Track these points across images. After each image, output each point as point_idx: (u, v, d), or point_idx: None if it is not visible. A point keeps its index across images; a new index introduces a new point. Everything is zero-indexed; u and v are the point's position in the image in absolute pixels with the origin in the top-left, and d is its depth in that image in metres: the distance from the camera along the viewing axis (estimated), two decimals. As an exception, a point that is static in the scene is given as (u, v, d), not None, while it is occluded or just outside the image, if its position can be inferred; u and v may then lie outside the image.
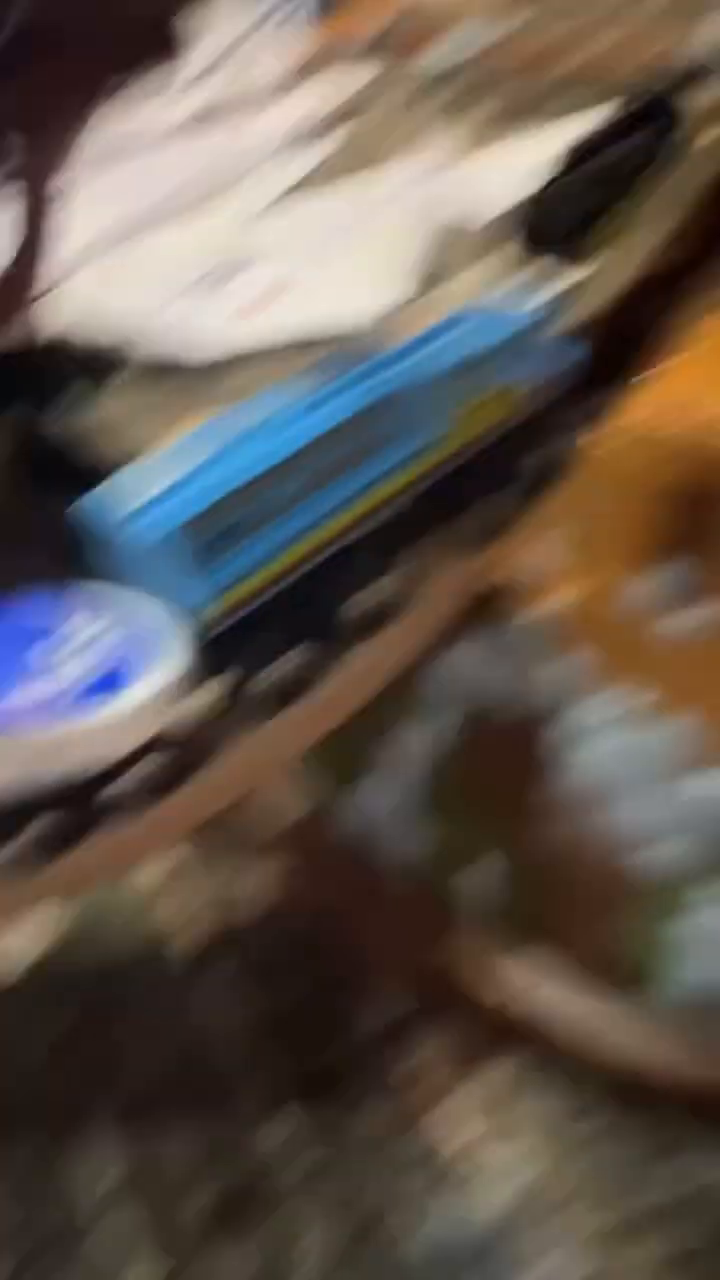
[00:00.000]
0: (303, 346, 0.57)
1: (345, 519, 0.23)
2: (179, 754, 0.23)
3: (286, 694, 0.24)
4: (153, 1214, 0.24)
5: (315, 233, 0.71)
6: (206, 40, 1.11)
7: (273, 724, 0.24)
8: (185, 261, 0.72)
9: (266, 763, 0.25)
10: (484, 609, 0.26)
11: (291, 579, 0.22)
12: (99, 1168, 0.25)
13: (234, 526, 0.20)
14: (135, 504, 0.19)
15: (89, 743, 0.21)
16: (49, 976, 0.29)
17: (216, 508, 0.19)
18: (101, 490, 0.20)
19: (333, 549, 0.22)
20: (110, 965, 0.29)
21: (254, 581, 0.21)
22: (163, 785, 0.23)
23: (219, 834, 0.31)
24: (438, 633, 0.26)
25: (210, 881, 0.31)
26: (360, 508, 0.23)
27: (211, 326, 0.61)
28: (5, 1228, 0.24)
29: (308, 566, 0.22)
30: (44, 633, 0.22)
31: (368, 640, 0.24)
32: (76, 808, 0.22)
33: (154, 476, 0.20)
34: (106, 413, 0.56)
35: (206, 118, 1.00)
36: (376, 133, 0.97)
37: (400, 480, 0.23)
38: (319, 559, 0.22)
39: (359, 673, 0.25)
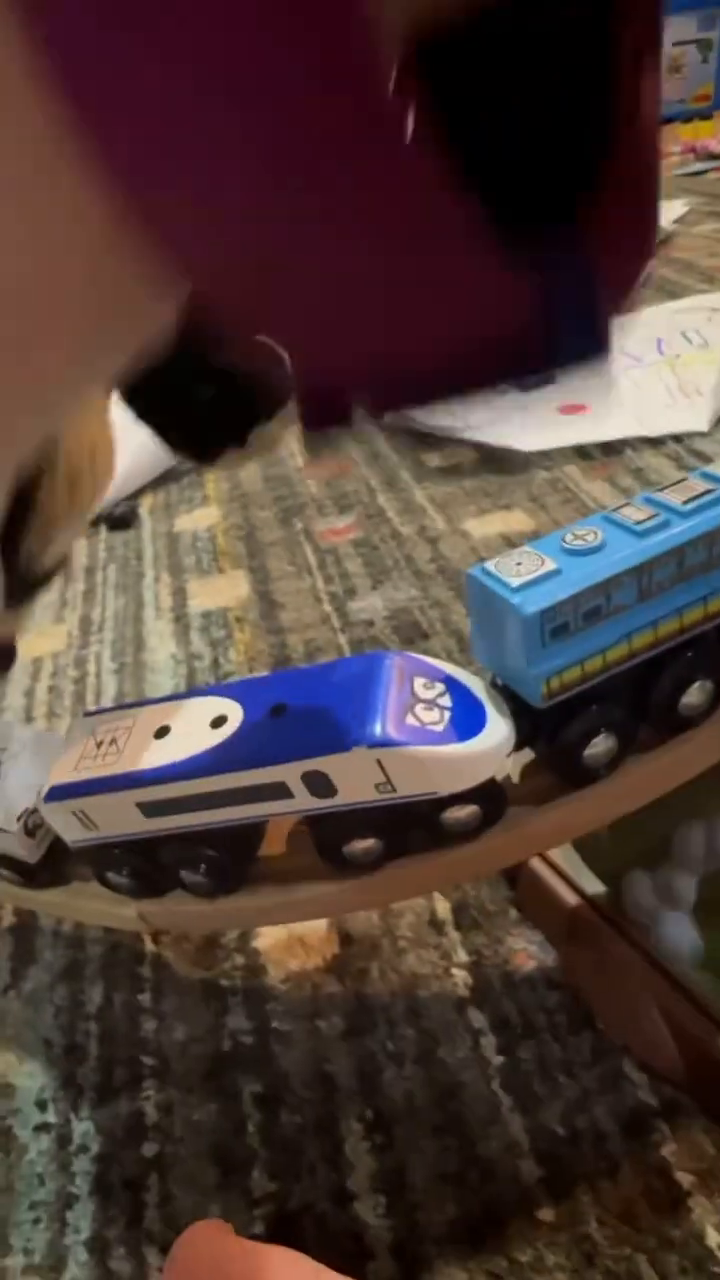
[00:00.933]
0: (611, 449, 0.60)
1: (675, 625, 0.25)
2: (493, 802, 0.26)
3: (592, 772, 0.26)
4: (393, 1218, 0.26)
5: (629, 349, 0.75)
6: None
7: (576, 796, 0.26)
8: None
9: (560, 830, 0.28)
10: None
11: (618, 670, 0.24)
12: (350, 1162, 0.27)
13: (583, 616, 0.23)
14: (516, 584, 0.23)
15: (457, 767, 0.24)
16: (317, 994, 0.33)
17: (573, 599, 0.23)
18: (495, 564, 0.23)
19: (659, 650, 0.25)
20: (369, 995, 0.32)
21: (587, 667, 0.24)
22: (477, 826, 0.26)
23: (491, 892, 0.34)
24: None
25: (472, 937, 0.33)
26: (689, 617, 0.25)
27: (531, 423, 0.66)
28: (259, 1194, 0.27)
29: (635, 662, 0.24)
30: (414, 679, 0.26)
31: (674, 738, 0.26)
32: (421, 826, 0.26)
33: (534, 561, 0.23)
34: (432, 491, 0.61)
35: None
36: (691, 257, 0.99)
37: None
38: (645, 657, 0.24)
39: (660, 767, 0.27)
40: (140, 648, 0.55)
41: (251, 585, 0.58)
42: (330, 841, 0.27)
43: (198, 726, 0.27)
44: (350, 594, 0.54)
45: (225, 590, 0.59)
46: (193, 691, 0.30)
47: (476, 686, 0.26)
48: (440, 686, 0.26)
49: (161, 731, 0.28)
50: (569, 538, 0.24)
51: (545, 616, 0.22)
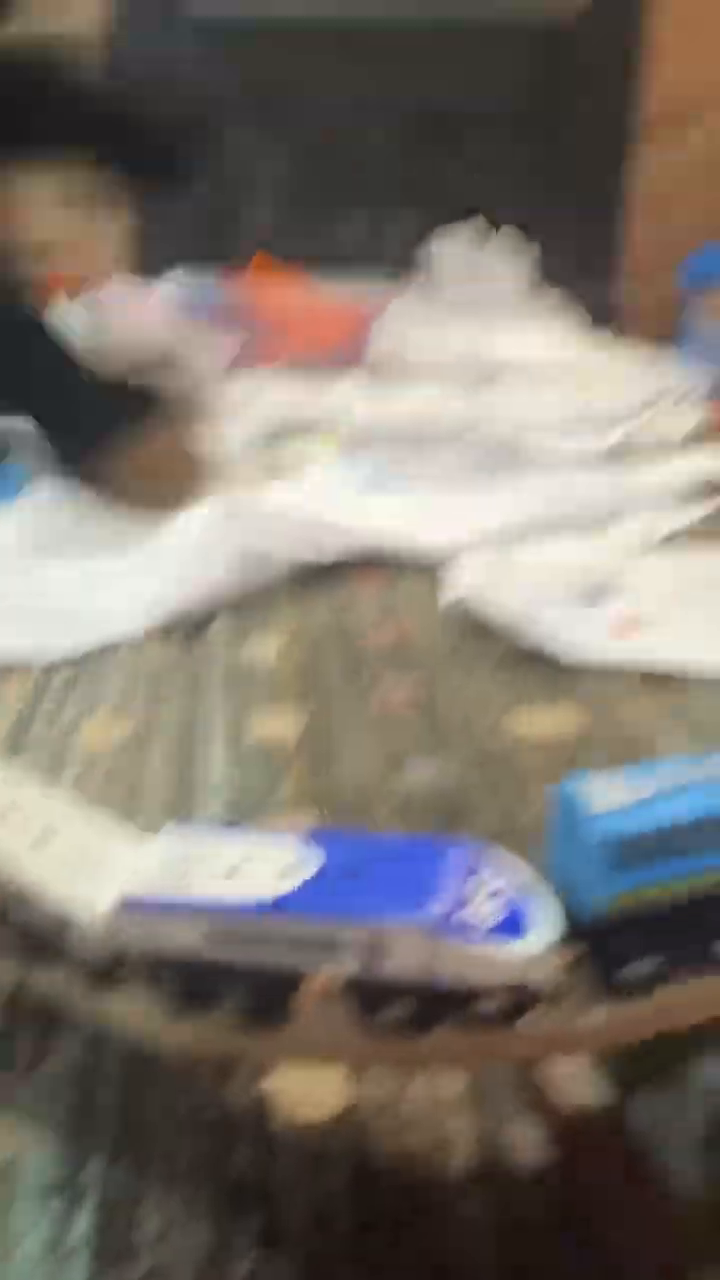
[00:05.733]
0: (661, 677, 0.64)
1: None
2: (526, 1000, 0.28)
3: (630, 990, 0.28)
4: None
5: (686, 579, 0.81)
6: (627, 395, 1.30)
7: (610, 1010, 0.29)
8: (566, 572, 0.84)
9: (590, 1040, 0.30)
10: None
11: (675, 904, 0.27)
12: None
13: (658, 850, 0.26)
14: (604, 805, 0.26)
15: (484, 965, 0.27)
16: (322, 1140, 0.34)
17: (655, 835, 0.26)
18: (587, 781, 0.27)
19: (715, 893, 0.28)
20: (375, 1151, 0.33)
21: (649, 894, 0.27)
22: (506, 1019, 0.28)
23: (515, 1086, 0.35)
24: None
25: (481, 1118, 0.34)
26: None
27: (581, 634, 0.70)
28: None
29: (692, 899, 0.27)
30: (477, 870, 0.29)
31: (710, 975, 0.29)
32: (452, 1009, 0.28)
33: (621, 788, 0.26)
34: (491, 675, 0.65)
35: (614, 457, 1.16)
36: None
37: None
38: (703, 896, 0.27)
39: (692, 999, 0.29)
40: (188, 763, 0.58)
41: (307, 728, 0.62)
42: (363, 1005, 0.29)
43: (272, 869, 0.30)
44: (402, 759, 0.58)
45: (281, 726, 0.62)
46: (269, 832, 0.33)
47: (536, 887, 0.29)
48: (503, 882, 0.29)
49: (232, 870, 0.31)
50: (662, 772, 0.27)
51: (624, 843, 0.26)
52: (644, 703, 0.63)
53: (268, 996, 0.30)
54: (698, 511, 1.01)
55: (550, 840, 0.29)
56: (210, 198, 1.85)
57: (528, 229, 1.77)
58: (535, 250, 1.76)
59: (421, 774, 0.56)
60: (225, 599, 0.80)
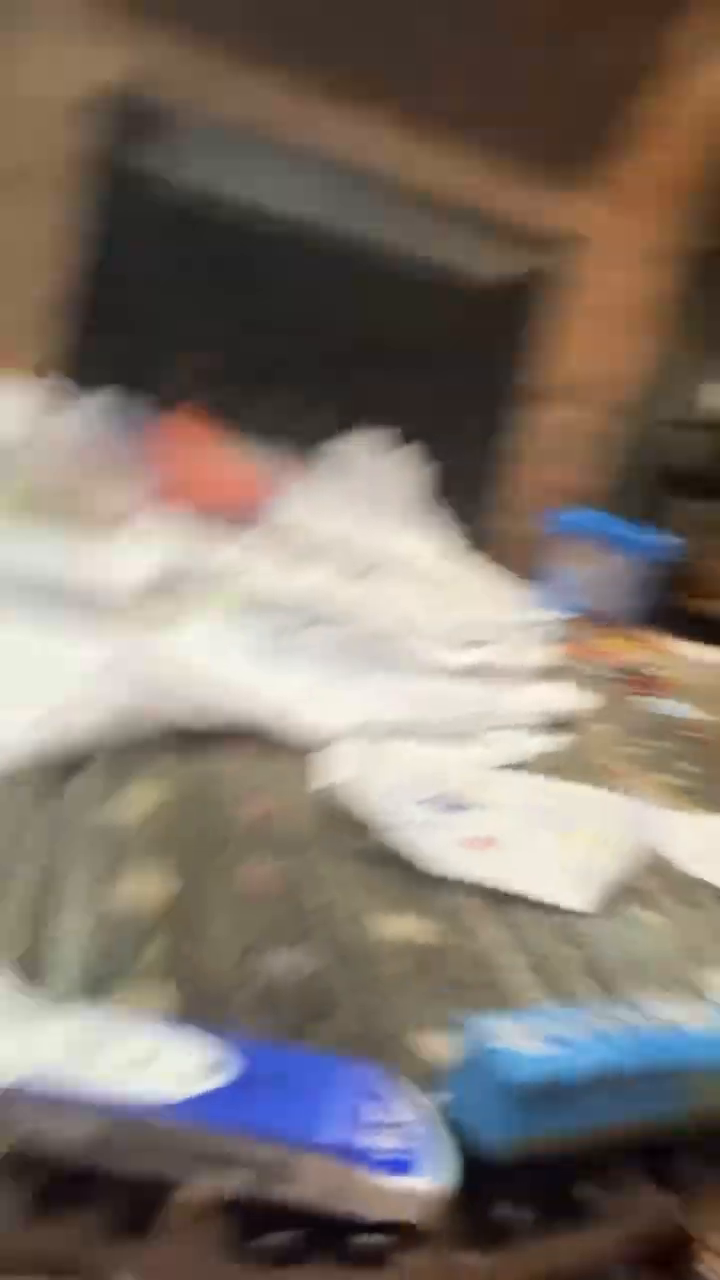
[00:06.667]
0: (506, 896, 0.68)
1: (622, 1133, 0.30)
2: (408, 1239, 0.29)
3: (501, 1238, 0.30)
4: None
5: (536, 805, 0.87)
6: (490, 617, 1.42)
7: (479, 1256, 0.30)
8: (428, 777, 0.88)
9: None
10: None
11: (562, 1155, 0.29)
12: None
13: (549, 1102, 0.29)
14: (504, 1046, 0.28)
15: (373, 1198, 0.28)
16: None
17: (560, 1085, 0.28)
18: (489, 1023, 0.29)
19: (602, 1150, 0.30)
20: None
21: (542, 1143, 0.29)
22: (384, 1256, 0.29)
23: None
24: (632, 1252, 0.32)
25: None
26: (637, 1130, 0.30)
27: (438, 843, 0.74)
28: None
29: (577, 1153, 0.30)
30: (374, 1098, 0.30)
31: (591, 1228, 0.30)
32: (334, 1240, 0.28)
33: (526, 1031, 0.29)
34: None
35: (476, 673, 1.24)
36: (593, 750, 1.17)
37: (669, 1123, 0.31)
38: (588, 1150, 0.30)
39: (559, 1252, 0.31)
40: (44, 922, 0.56)
41: (170, 899, 0.61)
42: (241, 1228, 0.28)
43: (179, 1069, 0.30)
44: (263, 945, 0.58)
45: (143, 893, 0.61)
46: (179, 1027, 0.33)
47: (434, 1124, 0.30)
48: (405, 1114, 0.30)
49: (138, 1063, 0.30)
50: (568, 1020, 0.30)
51: (531, 1090, 0.28)
52: (490, 923, 0.67)
53: (137, 1209, 0.30)
54: (547, 742, 1.10)
55: (454, 1075, 0.30)
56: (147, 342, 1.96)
57: (429, 450, 1.95)
58: (432, 470, 1.93)
59: (283, 964, 0.56)
60: (96, 749, 0.79)
